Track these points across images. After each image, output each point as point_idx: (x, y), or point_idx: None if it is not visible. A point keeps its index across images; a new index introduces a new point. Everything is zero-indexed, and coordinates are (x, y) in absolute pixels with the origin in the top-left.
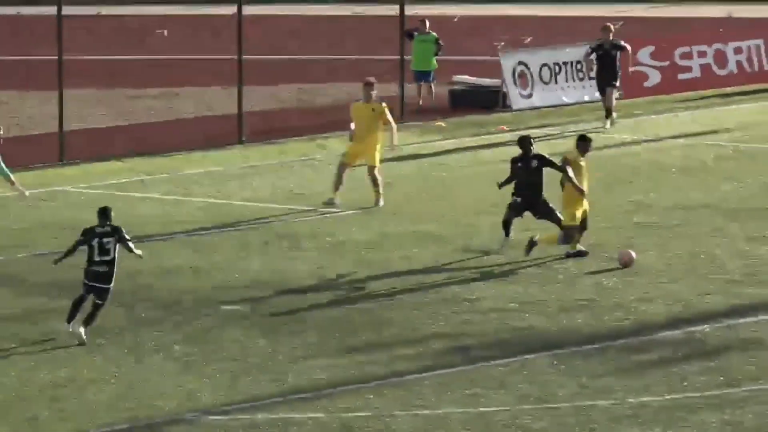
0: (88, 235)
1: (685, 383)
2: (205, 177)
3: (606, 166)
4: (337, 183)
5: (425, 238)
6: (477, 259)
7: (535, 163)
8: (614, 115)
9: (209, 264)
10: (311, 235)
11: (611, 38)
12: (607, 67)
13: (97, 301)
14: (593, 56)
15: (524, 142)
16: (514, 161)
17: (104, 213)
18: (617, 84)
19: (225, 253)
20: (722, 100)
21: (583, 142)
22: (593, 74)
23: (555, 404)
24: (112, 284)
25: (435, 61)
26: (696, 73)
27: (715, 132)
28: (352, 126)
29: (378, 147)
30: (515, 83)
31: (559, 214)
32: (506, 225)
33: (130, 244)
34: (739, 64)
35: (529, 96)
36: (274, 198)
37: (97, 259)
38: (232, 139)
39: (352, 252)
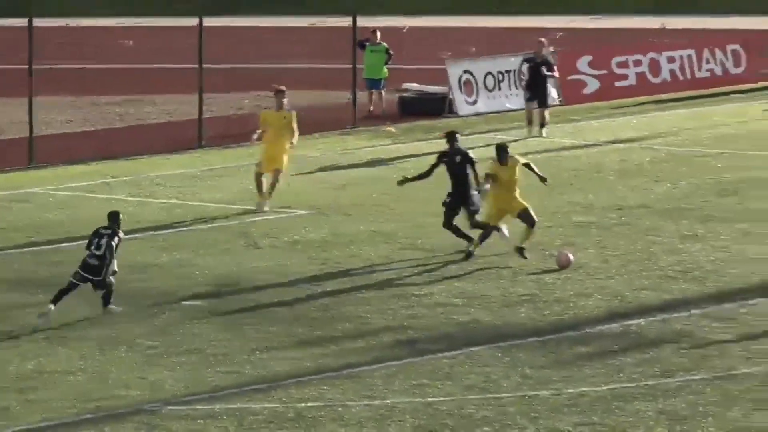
0: (94, 232)
1: (622, 374)
2: (168, 179)
3: (547, 169)
4: (260, 189)
5: (376, 237)
6: (425, 257)
7: (458, 158)
8: (546, 123)
9: (172, 261)
10: (268, 234)
11: (543, 53)
12: (535, 81)
13: (97, 291)
14: (524, 67)
15: (450, 137)
16: (441, 156)
17: (110, 216)
18: (547, 103)
19: (187, 251)
20: (656, 106)
21: (498, 152)
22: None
23: (498, 394)
24: (101, 277)
25: (386, 70)
26: (632, 80)
27: (650, 137)
28: (255, 135)
29: (287, 153)
30: (461, 90)
31: (476, 216)
32: (450, 228)
33: (113, 252)
34: (672, 72)
35: (474, 102)
36: (233, 199)
37: (91, 252)
38: (193, 144)
39: (307, 250)
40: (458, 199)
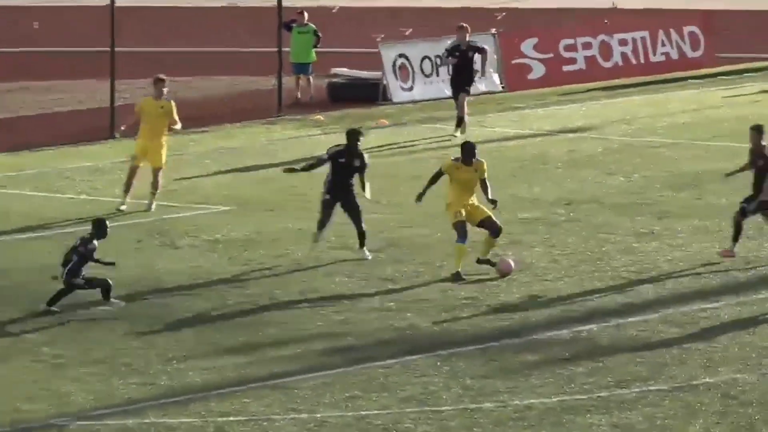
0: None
1: (573, 384)
2: (77, 172)
3: (489, 160)
4: (128, 186)
5: (304, 235)
6: (357, 258)
7: (357, 162)
8: (467, 120)
9: None
10: (186, 233)
11: (468, 39)
12: (461, 70)
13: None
14: (450, 59)
15: (352, 136)
16: (335, 154)
17: (93, 224)
18: (469, 89)
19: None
20: (608, 92)
21: (466, 150)
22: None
23: (438, 407)
24: (77, 279)
25: (314, 54)
26: (581, 65)
27: (600, 125)
28: (123, 125)
29: (165, 148)
30: (396, 76)
31: (362, 221)
32: (320, 225)
33: (75, 257)
34: (624, 56)
35: (410, 89)
36: (147, 194)
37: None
38: (104, 134)
39: (229, 250)
40: (335, 200)
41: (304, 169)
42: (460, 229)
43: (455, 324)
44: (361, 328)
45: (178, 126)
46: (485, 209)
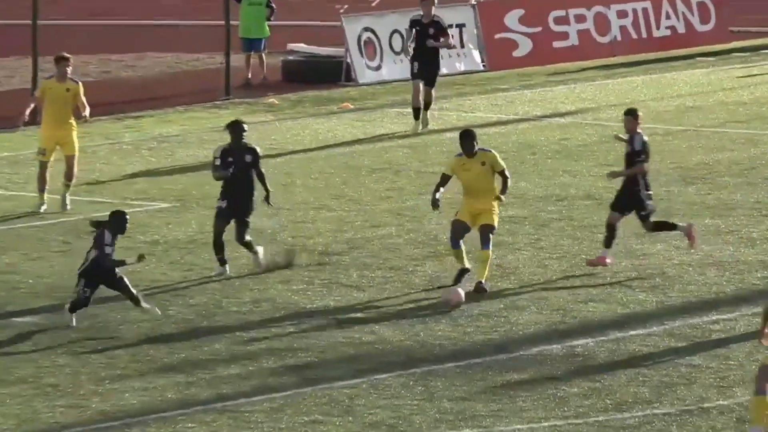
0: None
1: (566, 408)
2: None
3: None
4: (42, 183)
5: (254, 236)
6: (316, 262)
7: (249, 158)
8: (429, 114)
9: None
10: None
11: (432, 14)
12: (424, 51)
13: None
14: (413, 34)
15: (235, 128)
16: (225, 152)
17: (110, 217)
18: (434, 81)
19: (17, 254)
20: (604, 72)
21: (463, 140)
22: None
23: None
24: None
25: (267, 28)
26: (573, 40)
27: (596, 110)
28: (27, 113)
29: (75, 132)
30: (361, 53)
31: (249, 238)
32: (217, 247)
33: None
34: (623, 29)
35: (378, 68)
36: (76, 188)
37: None
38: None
39: (170, 252)
40: (233, 209)
41: (217, 179)
42: (454, 230)
43: (430, 338)
44: (322, 343)
45: (87, 111)
46: (492, 217)
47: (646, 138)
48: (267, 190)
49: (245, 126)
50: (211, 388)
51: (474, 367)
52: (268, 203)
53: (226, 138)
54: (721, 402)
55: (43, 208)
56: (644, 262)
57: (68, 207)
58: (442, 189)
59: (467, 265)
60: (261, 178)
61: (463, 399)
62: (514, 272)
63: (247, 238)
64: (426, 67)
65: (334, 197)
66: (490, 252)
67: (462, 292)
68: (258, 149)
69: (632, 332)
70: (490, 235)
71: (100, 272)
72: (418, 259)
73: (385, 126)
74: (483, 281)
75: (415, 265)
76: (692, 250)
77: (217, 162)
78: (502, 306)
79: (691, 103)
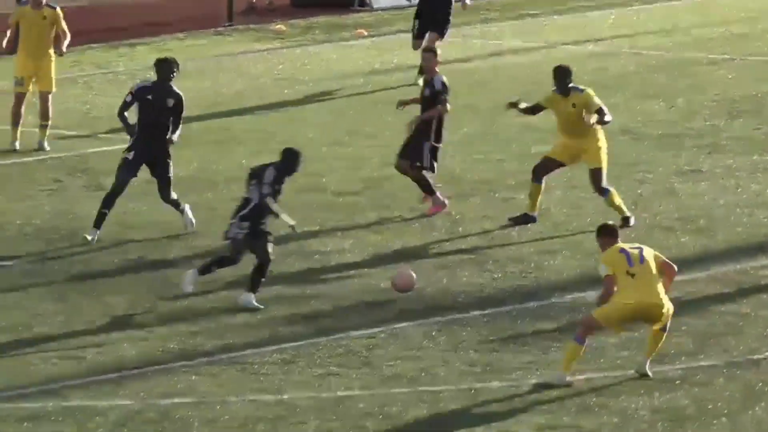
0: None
1: (602, 359)
2: None
3: (495, 81)
4: (16, 117)
5: None
6: (330, 201)
7: (170, 102)
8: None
9: None
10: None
11: None
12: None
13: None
14: None
15: (163, 67)
16: (141, 90)
17: (283, 154)
18: (444, 30)
19: (3, 194)
20: None
21: (555, 77)
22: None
23: (434, 387)
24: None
25: None
26: None
27: (635, 36)
28: (3, 42)
29: (53, 65)
30: None
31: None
32: (108, 199)
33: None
34: None
35: None
36: (67, 122)
37: None
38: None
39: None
40: (142, 159)
41: (121, 121)
42: (541, 164)
43: (455, 284)
44: (338, 290)
45: (67, 40)
46: (597, 158)
47: (445, 79)
48: (172, 135)
49: (176, 67)
50: (217, 338)
51: (502, 315)
52: (169, 141)
53: (232, 68)
54: None
55: (17, 144)
56: (687, 203)
57: (47, 149)
58: (524, 112)
59: (536, 212)
60: (176, 126)
61: (491, 350)
62: (545, 214)
63: (173, 195)
64: (433, 12)
65: (348, 133)
66: (612, 195)
67: (413, 277)
68: (183, 98)
69: (674, 278)
70: (602, 181)
71: (258, 218)
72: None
73: (403, 54)
74: (627, 215)
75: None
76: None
77: (128, 99)
78: (532, 250)
79: (738, 29)
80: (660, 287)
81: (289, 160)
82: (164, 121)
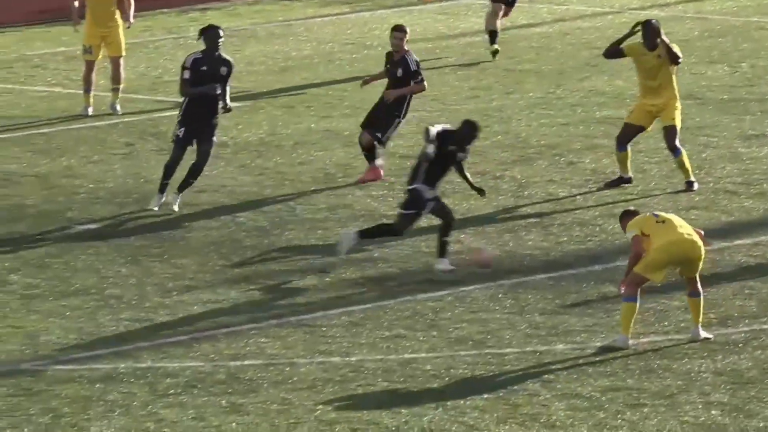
0: None
1: (666, 322)
2: (49, 58)
3: (559, 46)
4: (88, 84)
5: (331, 137)
6: (396, 166)
7: (224, 70)
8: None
9: (56, 170)
10: None
11: None
12: None
13: None
14: None
15: (211, 34)
16: (195, 63)
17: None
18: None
19: (76, 157)
20: None
21: (644, 31)
22: None
23: (500, 349)
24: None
25: None
26: None
27: (698, 1)
28: (76, 3)
29: (121, 30)
30: None
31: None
32: (167, 171)
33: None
34: None
35: None
36: (138, 86)
37: None
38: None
39: (239, 156)
40: (193, 135)
41: (186, 95)
42: (623, 132)
43: (520, 247)
44: (404, 253)
45: (132, 8)
46: (673, 116)
47: (416, 57)
48: (226, 103)
49: (222, 32)
50: (286, 301)
51: (567, 279)
52: (226, 110)
53: (301, 32)
54: None
55: (89, 110)
56: (751, 167)
57: (119, 111)
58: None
59: (630, 173)
60: (224, 93)
61: (556, 313)
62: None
63: (196, 177)
64: None
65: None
66: (683, 155)
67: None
68: (233, 62)
69: (738, 242)
70: (676, 140)
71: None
72: (506, 164)
73: (471, 20)
74: (692, 180)
75: (503, 170)
76: None
77: (186, 75)
78: (597, 213)
79: None
80: (691, 229)
81: (468, 130)
82: (213, 95)
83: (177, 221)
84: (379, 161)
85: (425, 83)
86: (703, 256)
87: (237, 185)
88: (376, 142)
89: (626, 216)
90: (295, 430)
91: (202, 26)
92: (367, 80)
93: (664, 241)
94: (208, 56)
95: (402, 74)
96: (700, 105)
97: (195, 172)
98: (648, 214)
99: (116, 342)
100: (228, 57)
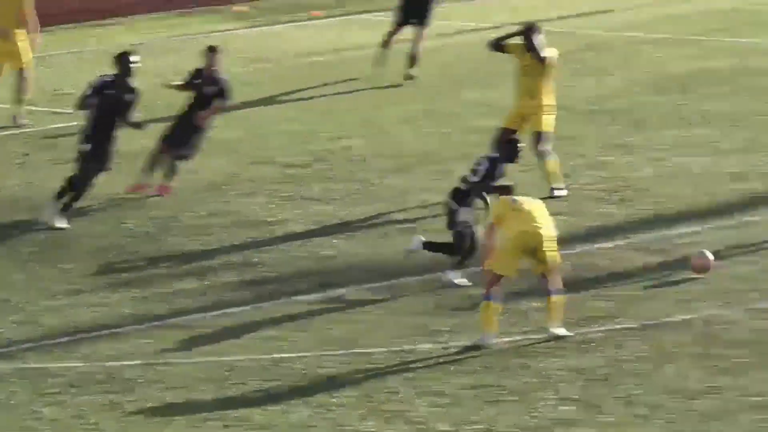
0: None
1: (525, 323)
2: None
3: (442, 60)
4: (21, 93)
5: (221, 148)
6: (281, 175)
7: (129, 97)
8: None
9: None
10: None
11: None
12: None
13: None
14: None
15: (124, 60)
16: (103, 85)
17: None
18: (428, 21)
19: None
20: None
21: (525, 30)
22: None
23: (367, 348)
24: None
25: None
26: None
27: (569, 18)
28: None
29: (24, 42)
30: None
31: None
32: (70, 190)
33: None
34: None
35: None
36: (35, 99)
37: None
38: None
39: (129, 165)
40: (97, 154)
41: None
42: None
43: (392, 252)
44: (280, 257)
45: (33, 23)
46: (541, 121)
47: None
48: (133, 122)
49: (134, 58)
50: (166, 303)
51: (436, 281)
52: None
53: (191, 49)
54: (683, 316)
55: (23, 120)
56: (611, 175)
57: (25, 122)
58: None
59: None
60: (126, 117)
61: (424, 314)
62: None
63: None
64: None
65: (303, 110)
66: (551, 161)
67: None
68: (139, 91)
69: (596, 245)
70: (543, 145)
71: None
72: (384, 172)
73: (357, 34)
74: (555, 185)
75: (381, 179)
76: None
77: (88, 92)
78: None
79: (668, 10)
80: (546, 221)
81: (510, 149)
82: (117, 117)
83: (66, 228)
84: (160, 174)
85: (226, 104)
86: (548, 249)
87: (125, 192)
88: (175, 159)
89: (498, 192)
90: (169, 426)
91: (100, 41)
92: (171, 86)
93: (512, 232)
94: (118, 82)
95: (215, 92)
96: (569, 115)
97: (74, 184)
98: (510, 198)
99: (3, 343)
100: (135, 85)
